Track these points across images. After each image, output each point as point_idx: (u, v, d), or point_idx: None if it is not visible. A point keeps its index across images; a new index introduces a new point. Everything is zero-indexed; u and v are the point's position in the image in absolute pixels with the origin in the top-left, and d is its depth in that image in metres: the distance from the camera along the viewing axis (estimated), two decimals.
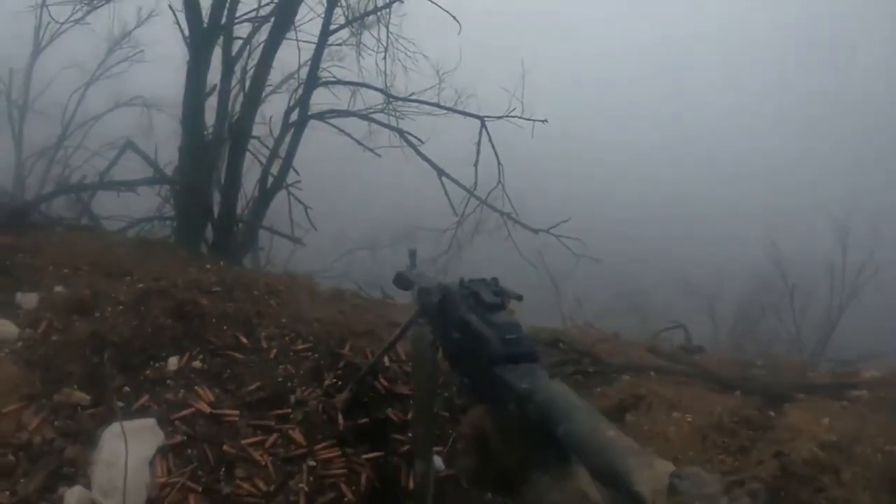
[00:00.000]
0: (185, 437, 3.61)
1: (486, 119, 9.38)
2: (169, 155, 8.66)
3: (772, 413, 4.66)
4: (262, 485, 3.50)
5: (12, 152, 11.21)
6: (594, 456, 1.02)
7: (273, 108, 10.00)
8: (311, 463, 3.69)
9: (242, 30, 8.97)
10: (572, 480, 1.19)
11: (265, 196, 8.97)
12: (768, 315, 15.96)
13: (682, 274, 17.91)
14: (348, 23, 9.61)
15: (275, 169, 9.07)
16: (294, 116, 9.27)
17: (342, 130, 9.71)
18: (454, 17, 8.93)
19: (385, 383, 4.28)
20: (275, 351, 4.34)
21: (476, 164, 9.34)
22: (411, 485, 3.84)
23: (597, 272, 10.29)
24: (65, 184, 8.69)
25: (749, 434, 4.36)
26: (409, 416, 4.14)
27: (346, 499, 3.64)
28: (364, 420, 4.04)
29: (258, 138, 8.92)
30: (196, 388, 3.92)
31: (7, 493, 3.21)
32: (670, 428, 4.49)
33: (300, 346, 4.44)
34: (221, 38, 8.28)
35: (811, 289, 16.14)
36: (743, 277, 17.84)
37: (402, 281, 2.61)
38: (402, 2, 9.50)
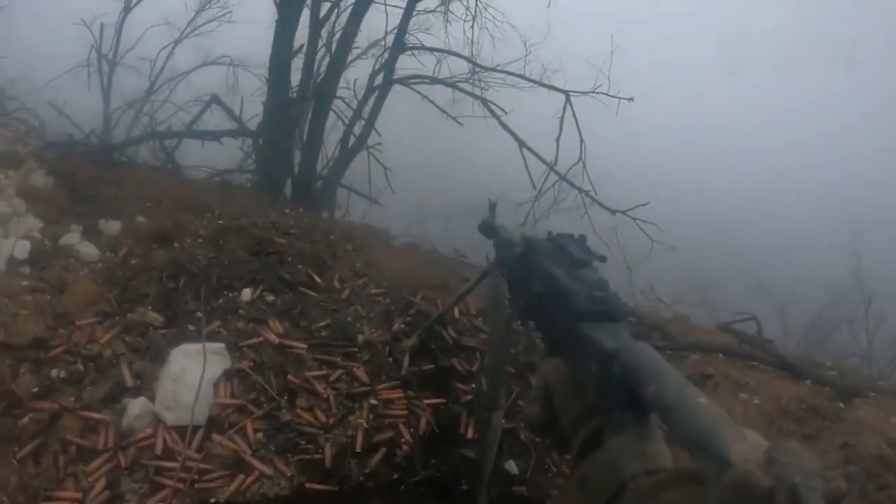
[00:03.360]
0: (252, 364, 3.65)
1: (570, 94, 9.17)
2: (252, 111, 8.75)
3: (841, 405, 4.48)
4: (322, 416, 3.54)
5: (101, 104, 11.53)
6: (684, 421, 0.94)
7: (358, 71, 9.98)
8: (373, 401, 3.74)
9: None
10: (648, 443, 1.13)
11: (346, 155, 8.98)
12: (841, 327, 15.26)
13: (755, 274, 17.32)
14: None
15: (357, 131, 9.07)
16: (379, 80, 9.24)
17: (426, 97, 9.64)
18: None
19: (453, 334, 4.30)
20: (347, 292, 4.35)
21: (558, 140, 9.13)
22: (470, 433, 3.86)
23: (669, 260, 9.96)
24: (148, 132, 8.85)
25: (816, 423, 4.24)
26: (475, 367, 4.12)
27: (403, 439, 3.67)
28: (429, 367, 4.07)
29: (342, 99, 8.91)
30: (267, 319, 3.93)
31: (72, 398, 3.28)
32: (737, 409, 4.38)
33: (373, 291, 4.44)
34: None
35: (890, 304, 15.36)
36: (819, 285, 17.11)
37: (486, 228, 2.52)
38: None
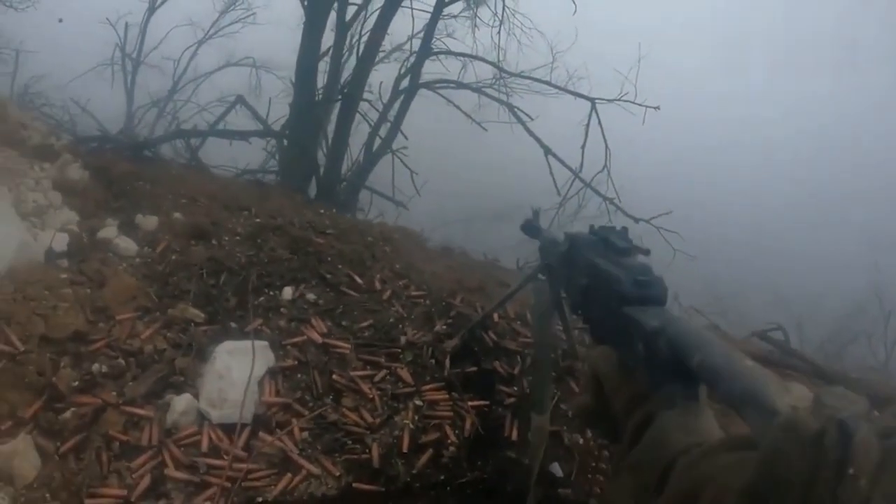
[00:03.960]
0: (296, 362, 3.60)
1: (596, 101, 9.14)
2: (276, 113, 8.75)
3: (876, 413, 4.42)
4: (368, 416, 3.48)
5: (124, 102, 11.60)
6: (731, 382, 0.99)
7: (383, 75, 9.98)
8: (418, 402, 3.68)
9: None
10: (698, 419, 1.18)
11: (371, 158, 8.97)
12: (860, 341, 15.15)
13: (774, 285, 17.22)
14: None
15: (382, 133, 9.06)
16: (405, 84, 9.23)
17: (451, 102, 9.64)
18: None
19: (494, 337, 4.24)
20: (388, 293, 4.31)
21: (583, 147, 9.11)
22: (515, 436, 3.80)
23: (690, 268, 9.91)
24: (174, 131, 8.86)
25: None
26: (517, 370, 4.09)
27: (449, 441, 3.60)
28: (471, 369, 4.00)
29: (368, 101, 8.90)
30: (310, 318, 3.87)
31: (114, 393, 3.22)
32: None
33: (413, 292, 4.39)
34: (336, 2, 8.33)
35: None
36: (838, 297, 17.02)
37: (530, 228, 2.53)
38: None
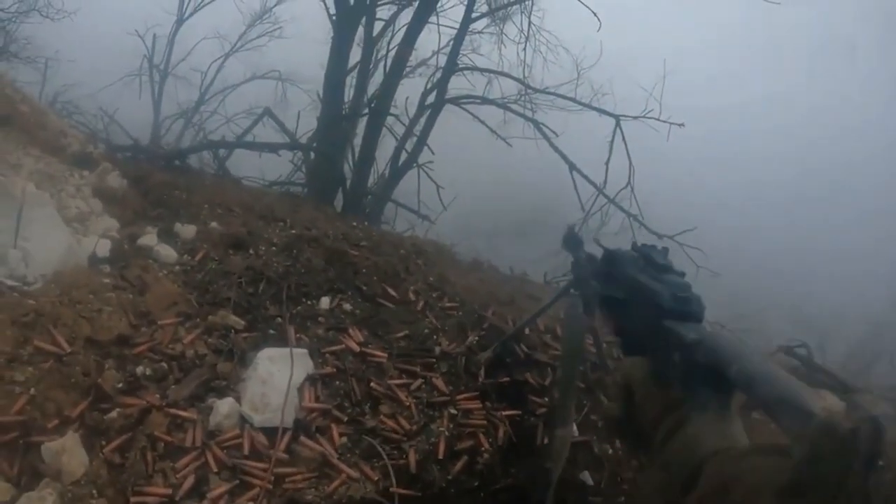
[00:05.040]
0: (335, 370, 3.67)
1: (621, 118, 9.21)
2: (302, 127, 8.88)
3: None
4: (405, 423, 3.54)
5: (151, 112, 11.79)
6: (768, 389, 1.06)
7: (410, 90, 10.09)
8: (453, 411, 3.74)
9: (384, 13, 9.12)
10: (728, 425, 1.25)
11: (397, 171, 9.07)
12: (882, 361, 15.03)
13: (795, 303, 17.16)
14: (491, 11, 9.63)
15: (408, 148, 9.15)
16: (431, 99, 9.34)
17: (476, 117, 9.72)
18: (594, 14, 8.82)
19: (525, 349, 4.32)
20: (422, 304, 4.38)
21: (607, 163, 9.17)
22: (545, 444, 3.90)
23: (711, 285, 9.89)
24: (205, 141, 9.01)
25: None
26: (548, 381, 4.17)
27: (483, 448, 3.67)
28: (505, 379, 4.07)
29: (395, 116, 9.01)
30: (347, 327, 3.95)
31: (157, 395, 3.29)
32: None
33: (447, 304, 4.46)
34: (364, 18, 8.46)
35: None
36: (861, 317, 16.93)
37: (573, 241, 2.54)
38: None
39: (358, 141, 8.83)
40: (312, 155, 8.48)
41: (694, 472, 1.17)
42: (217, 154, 8.12)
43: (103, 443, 3.14)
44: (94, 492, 2.98)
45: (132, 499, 2.95)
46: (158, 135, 10.66)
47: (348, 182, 8.23)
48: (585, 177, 9.14)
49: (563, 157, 9.19)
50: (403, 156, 9.07)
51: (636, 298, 1.52)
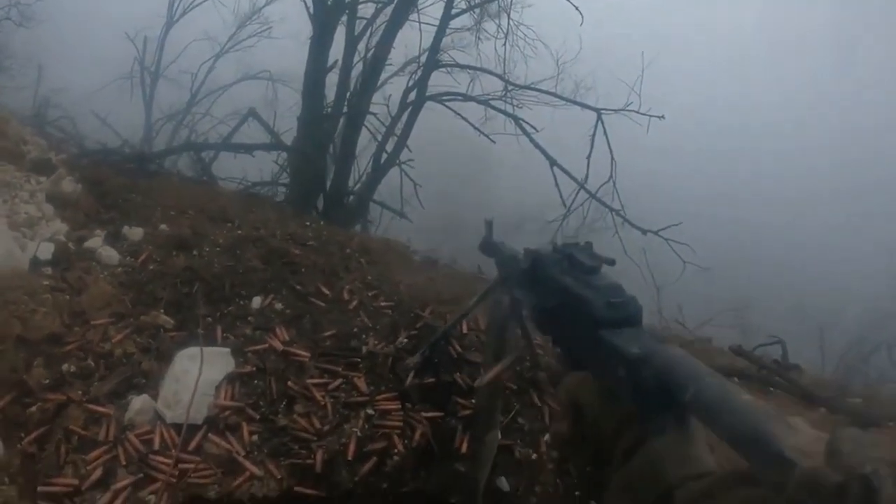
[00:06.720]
0: (254, 369, 3.77)
1: (602, 112, 9.20)
2: (288, 125, 8.98)
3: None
4: (317, 423, 3.63)
5: (142, 114, 11.97)
6: (729, 421, 0.95)
7: (393, 88, 10.16)
8: (370, 411, 3.79)
9: (366, 10, 9.18)
10: (690, 445, 1.14)
11: (378, 170, 9.13)
12: (881, 352, 14.71)
13: (794, 294, 16.94)
14: (470, 7, 9.67)
15: (389, 147, 9.21)
16: (412, 97, 9.39)
17: (458, 114, 9.74)
18: (577, 8, 8.83)
19: (458, 349, 4.30)
20: (355, 303, 4.45)
21: (589, 158, 9.17)
22: (465, 448, 3.87)
23: (703, 279, 9.85)
24: (189, 142, 9.16)
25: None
26: (476, 382, 4.12)
27: (395, 450, 3.71)
28: (430, 380, 4.08)
29: (375, 115, 9.09)
30: (275, 327, 4.04)
31: (80, 392, 3.45)
32: None
33: (382, 303, 4.51)
34: (345, 16, 8.51)
35: None
36: (860, 308, 16.62)
37: (487, 247, 2.47)
38: None
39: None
40: (295, 155, 8.57)
41: (662, 499, 1.09)
42: (199, 156, 8.26)
43: (22, 435, 3.31)
44: (6, 479, 3.15)
45: (40, 488, 3.10)
46: (150, 137, 10.87)
47: (329, 182, 8.32)
48: (566, 171, 9.15)
49: (544, 152, 9.21)
50: (385, 155, 9.13)
51: (567, 307, 1.40)
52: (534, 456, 3.99)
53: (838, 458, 0.78)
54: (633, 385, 1.17)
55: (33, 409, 3.37)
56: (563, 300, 1.41)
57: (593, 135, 9.12)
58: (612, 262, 1.47)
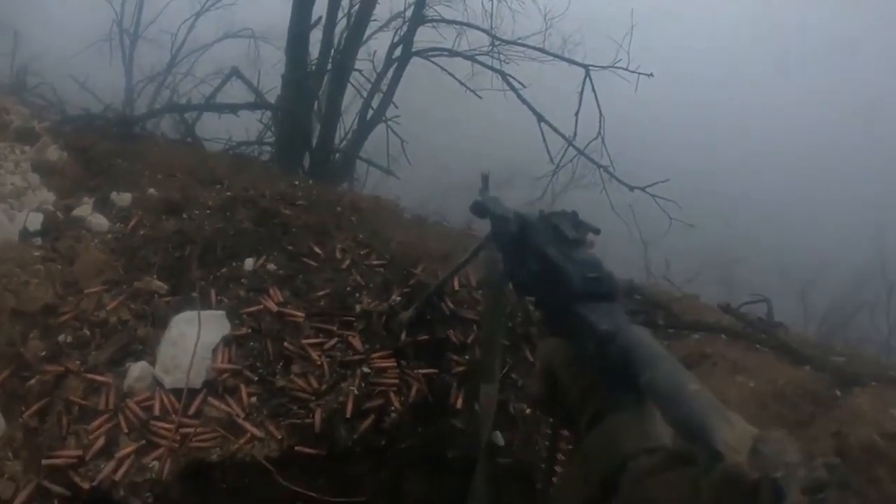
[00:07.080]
0: (250, 331, 3.79)
1: (590, 68, 9.13)
2: (272, 83, 8.86)
3: (838, 392, 4.47)
4: (314, 383, 3.65)
5: (123, 77, 11.78)
6: (676, 409, 1.02)
7: (379, 44, 10.01)
8: (366, 370, 3.81)
9: None
10: (648, 422, 1.20)
11: (364, 128, 9.07)
12: (863, 312, 14.86)
13: (777, 254, 17.06)
14: None
15: (375, 104, 9.13)
16: (398, 53, 9.29)
17: (445, 70, 9.64)
18: None
19: (451, 305, 4.32)
20: (347, 262, 4.43)
21: (577, 114, 9.13)
22: (460, 404, 3.92)
23: (688, 236, 9.89)
24: (172, 103, 9.04)
25: (811, 409, 4.25)
26: (470, 339, 4.19)
27: (392, 407, 3.74)
28: (424, 337, 4.10)
29: (360, 72, 8.98)
30: (268, 288, 4.04)
31: (77, 362, 3.46)
32: (731, 391, 4.39)
33: (374, 261, 4.50)
34: None
35: None
36: (843, 268, 16.74)
37: (478, 208, 2.48)
38: None
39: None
40: (279, 114, 8.48)
41: (615, 472, 1.15)
42: (183, 117, 8.16)
43: (23, 409, 3.32)
44: (10, 454, 3.17)
45: (44, 461, 3.12)
46: (131, 99, 10.71)
47: (314, 140, 8.25)
48: (554, 128, 9.12)
49: (531, 108, 9.15)
50: (371, 112, 9.05)
51: (547, 276, 1.46)
52: (528, 411, 4.06)
53: (759, 458, 0.84)
54: (600, 360, 1.23)
55: (32, 381, 3.39)
56: (546, 268, 1.46)
57: (581, 91, 9.06)
58: (597, 231, 1.51)
